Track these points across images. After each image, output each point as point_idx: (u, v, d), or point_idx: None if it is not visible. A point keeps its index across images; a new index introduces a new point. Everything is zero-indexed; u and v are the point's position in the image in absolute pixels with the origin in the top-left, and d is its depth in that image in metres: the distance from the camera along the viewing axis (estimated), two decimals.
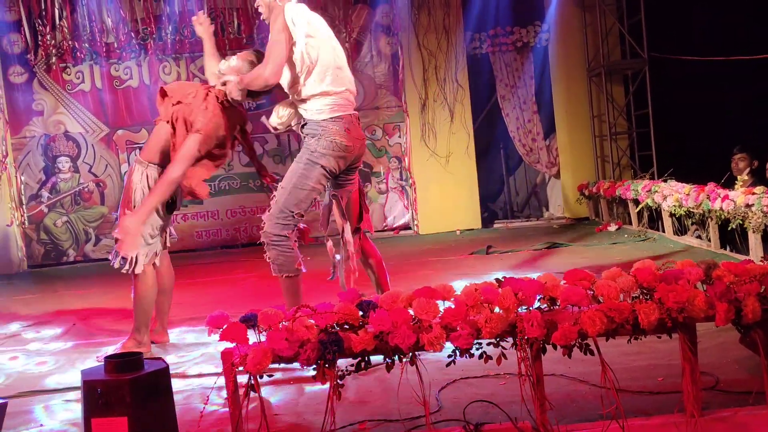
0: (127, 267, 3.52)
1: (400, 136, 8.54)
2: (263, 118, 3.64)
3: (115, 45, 7.92)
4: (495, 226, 8.54)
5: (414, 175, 8.45)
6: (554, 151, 8.68)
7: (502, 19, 8.39)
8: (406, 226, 8.59)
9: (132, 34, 7.96)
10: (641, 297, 2.23)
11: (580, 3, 8.45)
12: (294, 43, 3.33)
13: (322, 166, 3.38)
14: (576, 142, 8.57)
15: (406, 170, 8.54)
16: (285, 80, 3.41)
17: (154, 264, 3.64)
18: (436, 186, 8.35)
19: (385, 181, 8.58)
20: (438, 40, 8.28)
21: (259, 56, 3.52)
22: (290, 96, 3.49)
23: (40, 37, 7.85)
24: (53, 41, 7.84)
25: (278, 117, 3.53)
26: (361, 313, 2.21)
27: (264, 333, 2.13)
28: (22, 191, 8.08)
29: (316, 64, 3.36)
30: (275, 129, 3.60)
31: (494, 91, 8.69)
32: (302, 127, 3.47)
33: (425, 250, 7.08)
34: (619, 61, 8.36)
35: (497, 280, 2.32)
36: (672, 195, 5.94)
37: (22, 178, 8.09)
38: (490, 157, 8.99)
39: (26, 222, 8.14)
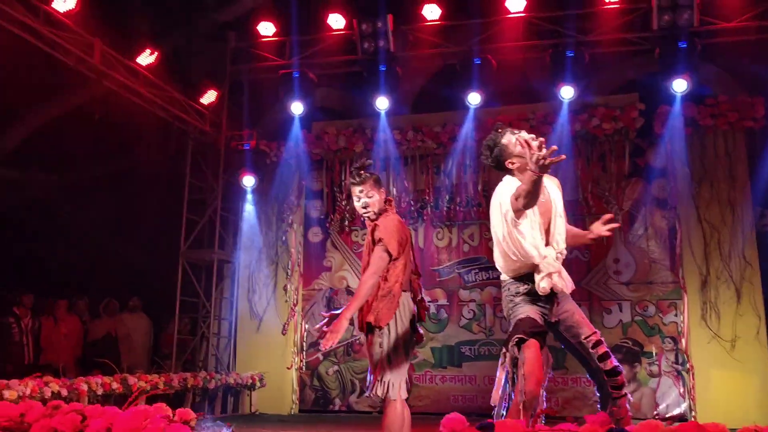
0: (381, 390, 3.64)
1: (676, 315, 7.86)
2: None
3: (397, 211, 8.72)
4: None
5: (692, 359, 7.61)
6: None
7: None
8: (681, 417, 7.61)
9: (412, 202, 8.74)
10: None
11: None
12: None
13: None
14: None
15: (682, 353, 7.74)
16: None
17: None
18: (718, 373, 7.39)
19: (657, 363, 7.83)
20: (722, 214, 7.72)
21: None
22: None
23: (336, 204, 9.01)
24: (348, 207, 8.92)
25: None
26: None
27: None
28: (305, 338, 8.91)
29: None
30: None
31: None
32: None
33: None
34: None
35: None
36: None
37: (306, 326, 8.95)
38: None
39: (304, 367, 8.87)
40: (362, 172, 4.00)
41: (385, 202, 3.97)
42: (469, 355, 8.35)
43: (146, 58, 7.69)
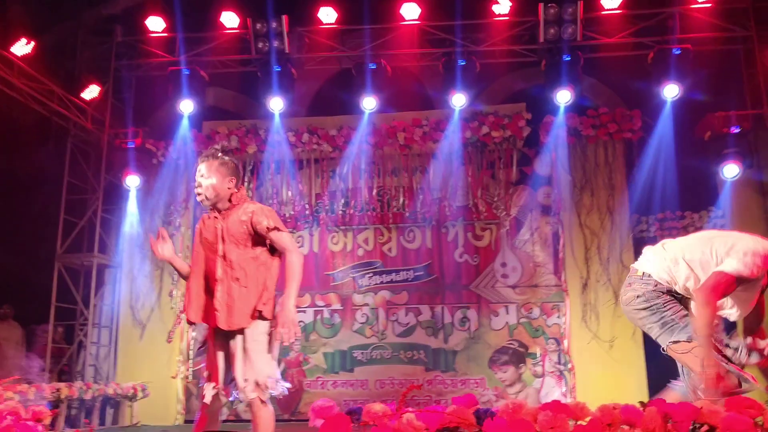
0: (257, 391, 3.39)
1: (559, 317, 8.15)
2: None
3: (288, 215, 8.54)
4: None
5: (573, 359, 7.91)
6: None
7: (670, 203, 8.10)
8: None
9: (307, 206, 8.62)
10: None
11: (759, 189, 8.00)
12: None
13: None
14: None
15: (564, 353, 8.03)
16: None
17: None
18: (598, 372, 7.72)
19: (541, 363, 8.09)
20: (601, 220, 8.12)
21: None
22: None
23: None
24: None
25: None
26: (476, 419, 1.97)
27: (368, 429, 1.96)
28: (192, 346, 8.56)
29: None
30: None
31: None
32: None
33: None
34: None
35: (641, 402, 2.00)
36: None
37: (193, 333, 8.62)
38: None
39: (190, 377, 8.51)
40: (217, 151, 3.57)
41: (230, 197, 3.51)
42: (361, 360, 8.30)
43: (22, 48, 7.20)
